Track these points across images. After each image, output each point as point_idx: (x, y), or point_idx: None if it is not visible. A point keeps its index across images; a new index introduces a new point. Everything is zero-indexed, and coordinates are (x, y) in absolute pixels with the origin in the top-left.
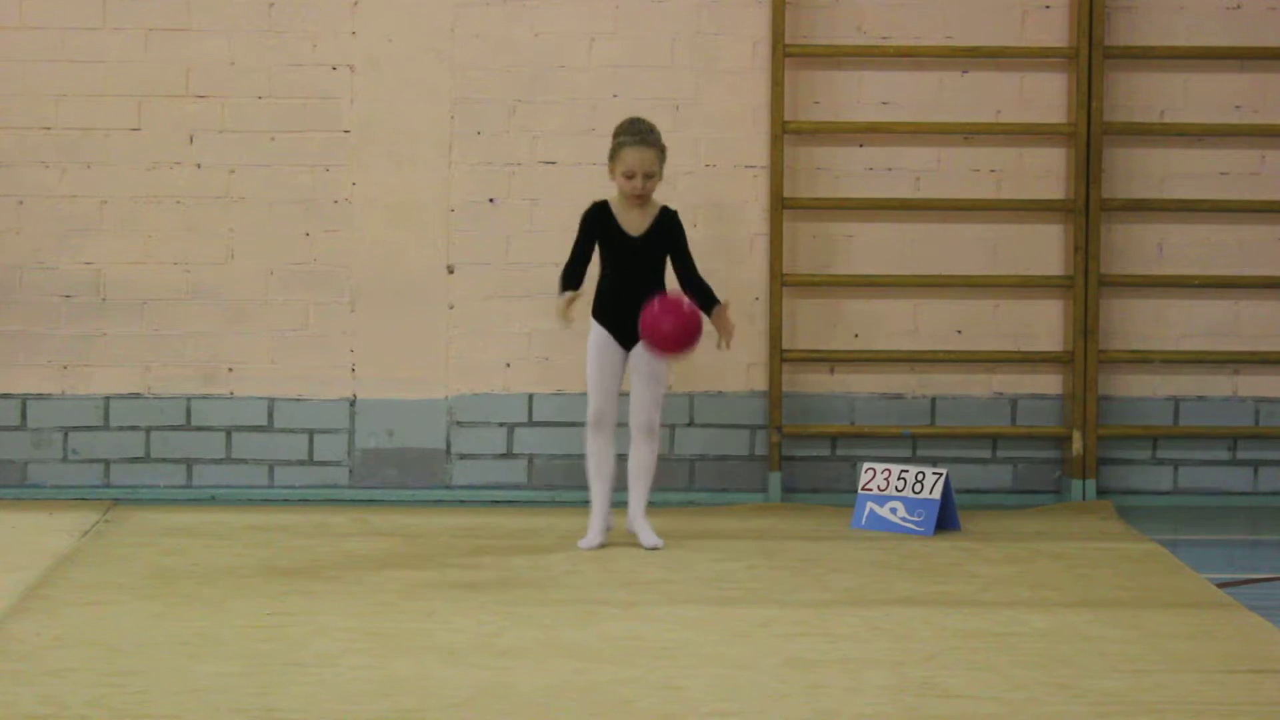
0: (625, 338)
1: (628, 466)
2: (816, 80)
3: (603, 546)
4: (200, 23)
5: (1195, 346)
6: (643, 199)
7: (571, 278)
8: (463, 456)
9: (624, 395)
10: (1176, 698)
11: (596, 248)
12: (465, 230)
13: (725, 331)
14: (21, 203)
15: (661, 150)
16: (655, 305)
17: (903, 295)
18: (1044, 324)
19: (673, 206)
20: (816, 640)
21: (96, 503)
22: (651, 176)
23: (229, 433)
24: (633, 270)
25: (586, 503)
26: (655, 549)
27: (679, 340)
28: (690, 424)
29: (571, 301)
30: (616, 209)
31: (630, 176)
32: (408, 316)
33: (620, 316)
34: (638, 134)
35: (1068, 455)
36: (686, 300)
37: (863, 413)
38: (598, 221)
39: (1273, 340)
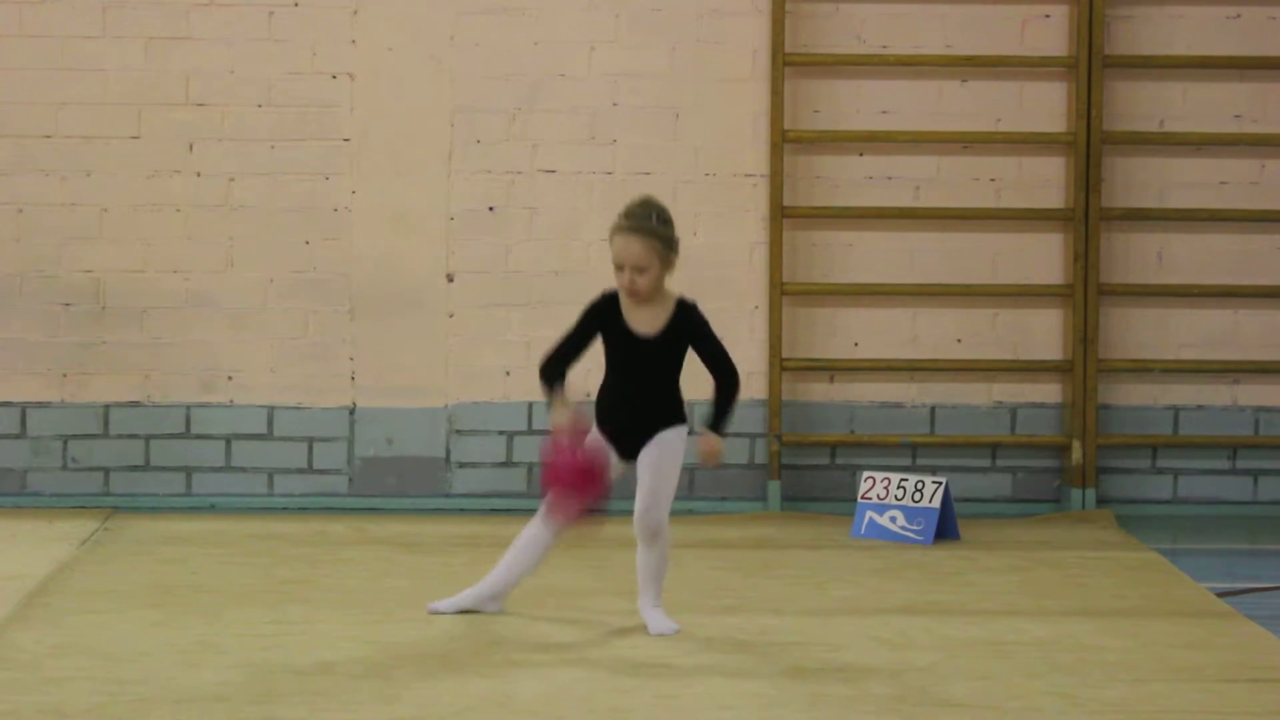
0: (627, 448)
1: (637, 567)
2: (816, 89)
3: (459, 614)
4: (200, 31)
5: (1195, 355)
6: (637, 296)
7: (551, 371)
8: (462, 465)
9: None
10: (1176, 707)
11: (600, 343)
12: (465, 238)
13: (702, 457)
14: (21, 211)
15: (660, 238)
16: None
17: (902, 304)
18: (1043, 333)
19: (690, 298)
20: (815, 649)
21: (96, 511)
22: (644, 270)
23: (228, 441)
24: (640, 376)
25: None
26: (671, 632)
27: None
28: (689, 433)
29: (564, 405)
30: (626, 304)
31: (620, 269)
32: (407, 325)
33: (622, 427)
34: (629, 218)
35: (1067, 464)
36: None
37: (862, 421)
38: (601, 317)
39: (1272, 349)
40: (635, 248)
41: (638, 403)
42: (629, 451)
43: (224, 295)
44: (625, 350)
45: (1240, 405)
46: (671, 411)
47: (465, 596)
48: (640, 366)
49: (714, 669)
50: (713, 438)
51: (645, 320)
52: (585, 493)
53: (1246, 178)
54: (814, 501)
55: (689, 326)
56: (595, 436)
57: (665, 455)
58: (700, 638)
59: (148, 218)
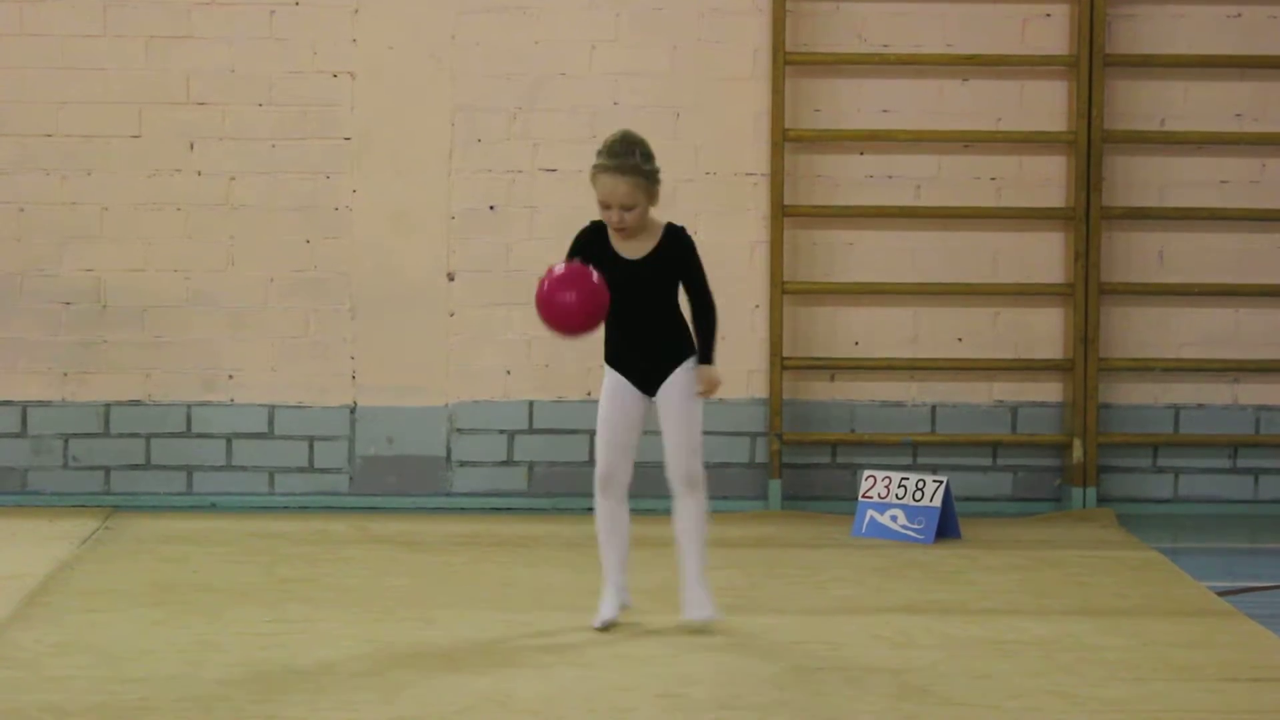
0: (645, 383)
1: (674, 529)
2: (817, 88)
3: (615, 625)
4: (201, 30)
5: (1195, 354)
6: (626, 232)
7: None
8: (463, 463)
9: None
10: (1176, 706)
11: None
12: (466, 237)
13: (705, 390)
14: (22, 210)
15: (644, 175)
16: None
17: (903, 303)
18: (1044, 332)
19: (678, 223)
20: (817, 648)
21: (97, 510)
22: (630, 208)
23: (229, 440)
24: (638, 302)
25: (588, 510)
26: (706, 620)
27: (583, 316)
28: None
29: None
30: (613, 234)
31: (607, 208)
32: (408, 323)
33: (635, 359)
34: (612, 157)
35: (1068, 463)
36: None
37: (863, 420)
38: (589, 245)
39: (1273, 348)
40: (622, 187)
41: (643, 332)
42: (646, 385)
43: (225, 294)
44: (617, 277)
45: (1241, 404)
46: (681, 342)
47: (612, 601)
48: (636, 293)
49: (715, 668)
50: (710, 370)
51: (634, 247)
52: (580, 299)
53: (1247, 176)
54: (815, 500)
55: (678, 248)
56: (611, 376)
57: (686, 400)
58: (701, 636)
59: (148, 217)
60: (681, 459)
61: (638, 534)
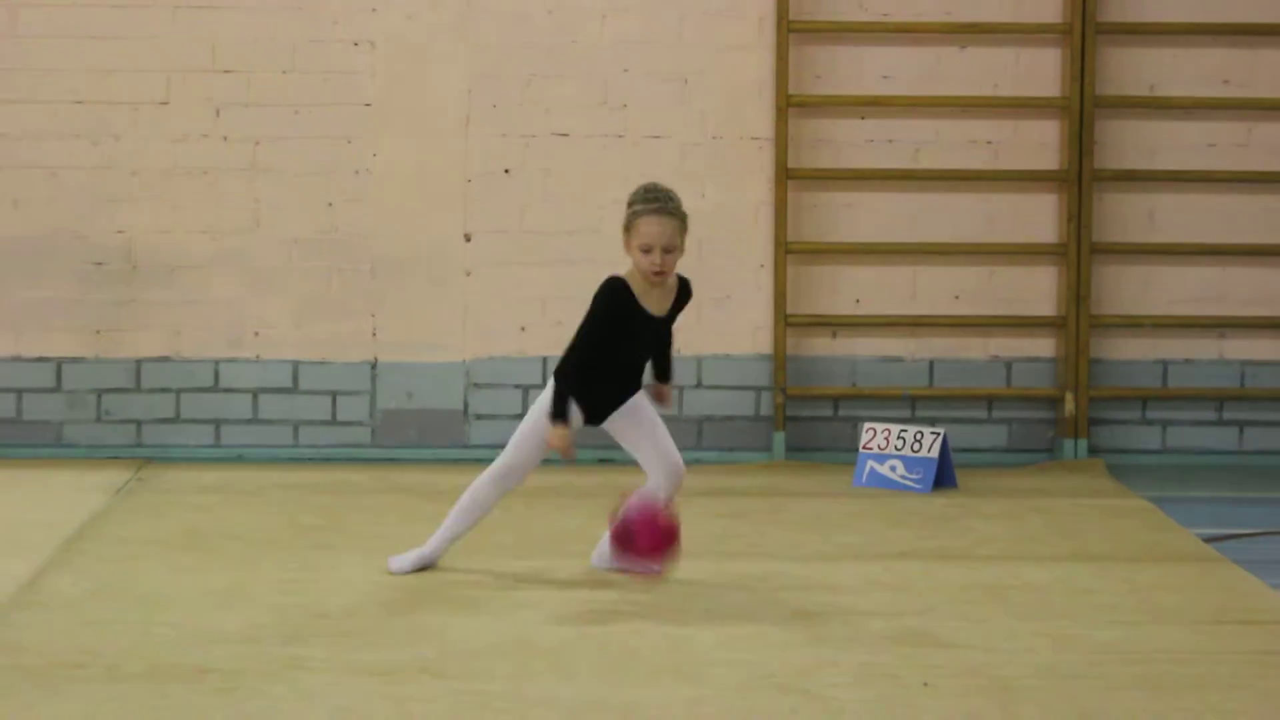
0: (595, 416)
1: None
2: (819, 55)
3: (417, 571)
4: (225, 0)
5: (1183, 311)
6: (663, 277)
7: (581, 384)
8: (480, 417)
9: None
10: (1165, 648)
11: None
12: (482, 200)
13: (666, 404)
14: (54, 174)
15: (684, 220)
16: (640, 527)
17: (902, 262)
18: (1038, 290)
19: (685, 275)
20: (818, 593)
21: (129, 461)
22: (672, 251)
23: (255, 394)
24: (646, 354)
25: (601, 460)
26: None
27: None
28: (698, 385)
29: (572, 426)
30: (637, 288)
31: (648, 251)
32: (427, 283)
33: (608, 397)
34: (656, 201)
35: (1060, 416)
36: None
37: (864, 375)
38: (625, 308)
39: (1258, 305)
40: (670, 229)
41: (636, 378)
42: (594, 418)
43: (250, 255)
44: (641, 333)
45: (1227, 359)
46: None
47: (426, 556)
48: (650, 346)
49: (721, 612)
50: (669, 387)
51: (656, 301)
52: (667, 550)
53: (1235, 140)
54: (817, 452)
55: (685, 299)
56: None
57: (650, 408)
58: (708, 582)
59: (177, 180)
60: (675, 452)
61: (627, 483)
